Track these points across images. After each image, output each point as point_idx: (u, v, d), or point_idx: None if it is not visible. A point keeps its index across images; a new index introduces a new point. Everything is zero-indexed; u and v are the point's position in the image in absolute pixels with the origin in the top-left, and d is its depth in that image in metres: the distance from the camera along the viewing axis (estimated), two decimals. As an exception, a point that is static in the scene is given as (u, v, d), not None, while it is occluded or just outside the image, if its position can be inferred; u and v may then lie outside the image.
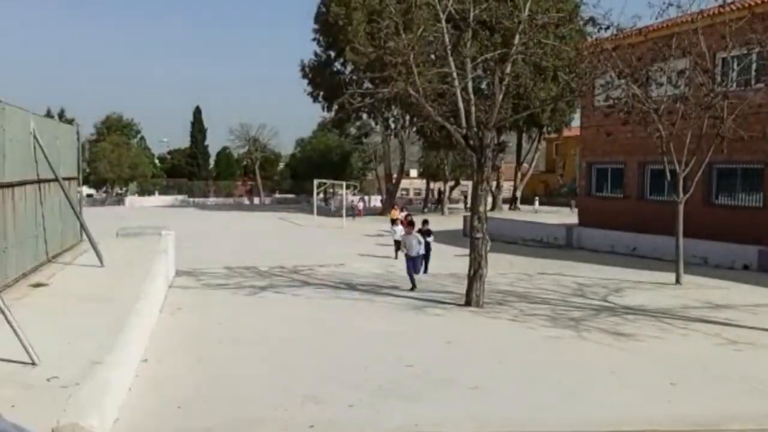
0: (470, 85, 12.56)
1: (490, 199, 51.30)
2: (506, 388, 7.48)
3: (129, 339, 7.04)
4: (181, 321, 10.53)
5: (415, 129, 47.84)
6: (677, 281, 17.11)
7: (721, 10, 16.01)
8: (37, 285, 9.62)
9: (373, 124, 62.87)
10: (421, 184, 73.74)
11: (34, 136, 10.54)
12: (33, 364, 5.95)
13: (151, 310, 9.42)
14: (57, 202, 12.33)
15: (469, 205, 49.14)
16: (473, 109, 12.61)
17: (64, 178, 12.78)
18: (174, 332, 9.56)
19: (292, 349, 9.06)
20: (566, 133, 53.43)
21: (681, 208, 17.12)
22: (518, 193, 54.11)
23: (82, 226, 12.66)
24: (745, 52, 17.01)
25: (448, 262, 21.08)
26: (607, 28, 13.05)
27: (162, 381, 7.02)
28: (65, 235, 13.22)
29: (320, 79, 50.19)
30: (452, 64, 12.74)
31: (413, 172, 76.84)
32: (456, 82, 12.66)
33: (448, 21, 13.17)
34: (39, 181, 10.98)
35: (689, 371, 8.62)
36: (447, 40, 12.42)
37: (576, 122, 41.07)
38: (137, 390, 6.59)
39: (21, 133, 10.01)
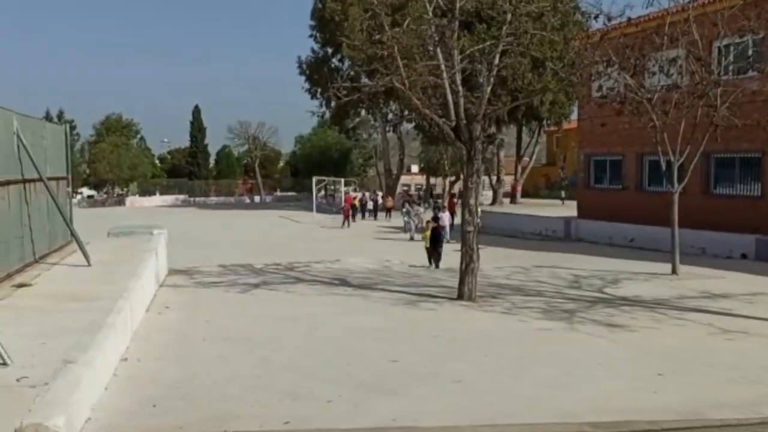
0: (458, 76, 12.45)
1: (490, 193, 51.51)
2: (490, 381, 7.39)
3: (107, 337, 6.95)
4: (168, 320, 10.44)
5: (413, 124, 47.77)
6: (673, 271, 17.01)
7: (714, -3, 15.89)
8: (21, 285, 9.54)
9: (372, 120, 62.71)
10: (422, 179, 73.67)
11: (18, 136, 10.45)
12: (4, 364, 5.87)
13: (135, 309, 9.34)
14: (44, 203, 12.24)
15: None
16: (462, 101, 12.51)
17: (53, 178, 12.72)
18: (159, 331, 9.47)
19: (278, 346, 8.97)
20: (567, 125, 53.20)
21: (676, 198, 17.01)
22: (519, 187, 53.88)
23: (68, 226, 12.57)
24: (738, 40, 16.87)
25: (446, 256, 20.98)
26: (597, 16, 12.95)
27: (140, 380, 6.93)
28: (54, 236, 13.14)
29: (318, 75, 50.15)
30: (440, 56, 12.65)
31: (414, 168, 76.78)
32: (444, 74, 12.56)
33: (437, 14, 13.10)
34: (24, 181, 10.89)
35: (679, 361, 8.53)
36: (433, 31, 12.33)
37: (576, 115, 40.90)
38: (114, 389, 6.51)
39: (4, 133, 9.93)
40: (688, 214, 17.70)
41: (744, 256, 20.29)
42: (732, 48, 17.49)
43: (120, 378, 6.91)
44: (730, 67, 17.84)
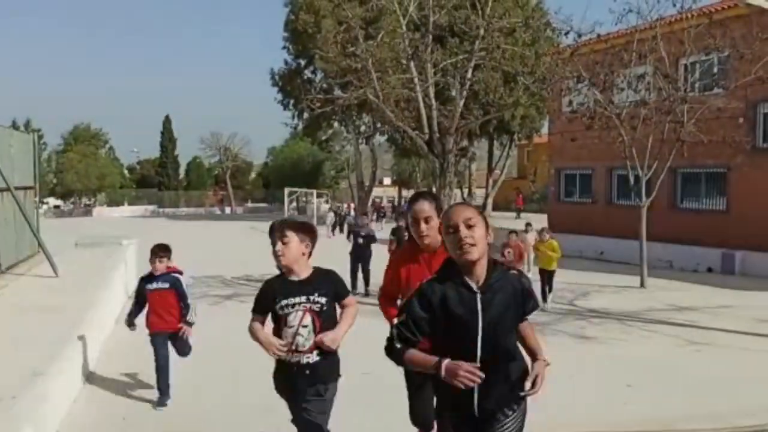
0: (431, 90, 12.56)
1: (461, 206, 51.76)
2: (463, 393, 7.40)
3: (75, 349, 6.85)
4: (137, 331, 10.27)
5: (386, 137, 47.94)
6: (642, 284, 17.25)
7: (680, 16, 16.23)
8: (-14, 296, 9.36)
9: (345, 132, 62.77)
10: (394, 191, 73.84)
11: (-15, 144, 10.28)
12: (-31, 377, 5.73)
13: (104, 320, 9.21)
14: (11, 212, 12.03)
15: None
16: (435, 114, 12.61)
17: (20, 188, 12.49)
18: (128, 343, 9.31)
19: (249, 358, 8.81)
20: (537, 139, 53.77)
21: (644, 212, 17.28)
22: (489, 200, 54.21)
23: (36, 236, 12.36)
24: (704, 58, 17.27)
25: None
26: (567, 33, 13.18)
27: (110, 392, 6.83)
28: (21, 246, 12.90)
29: (290, 87, 50.05)
30: (413, 69, 12.75)
31: (386, 180, 76.89)
32: (417, 88, 12.66)
33: (411, 28, 13.21)
34: (-10, 191, 10.71)
35: (648, 373, 8.64)
36: (407, 45, 12.44)
37: (546, 129, 41.35)
38: (83, 401, 6.41)
39: (-31, 141, 9.77)
40: (655, 228, 17.98)
41: (710, 270, 20.66)
42: (698, 65, 17.88)
43: (89, 390, 6.80)
44: (696, 84, 18.23)
